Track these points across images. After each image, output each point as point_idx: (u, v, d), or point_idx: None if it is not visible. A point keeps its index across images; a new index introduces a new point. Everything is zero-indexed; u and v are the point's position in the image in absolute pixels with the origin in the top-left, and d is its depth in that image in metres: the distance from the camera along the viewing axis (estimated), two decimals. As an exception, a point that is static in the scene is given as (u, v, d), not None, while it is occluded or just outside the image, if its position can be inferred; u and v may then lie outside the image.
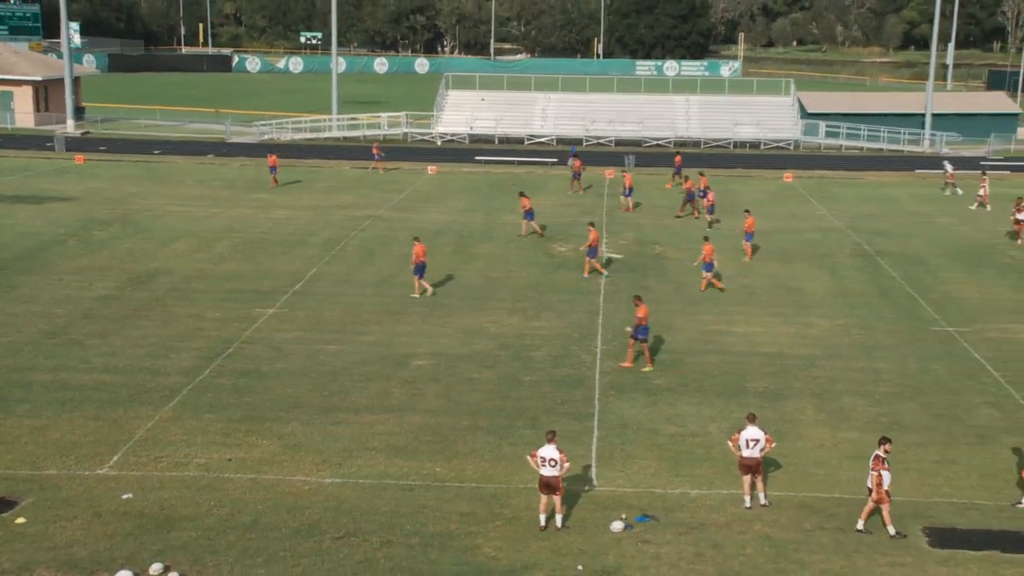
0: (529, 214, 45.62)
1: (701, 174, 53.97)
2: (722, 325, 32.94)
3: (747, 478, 20.67)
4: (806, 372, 28.69)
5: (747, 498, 20.70)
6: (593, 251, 38.80)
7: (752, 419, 20.92)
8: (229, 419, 24.83)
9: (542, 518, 19.88)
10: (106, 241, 43.78)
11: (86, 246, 42.74)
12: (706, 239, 37.86)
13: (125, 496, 20.82)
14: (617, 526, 19.79)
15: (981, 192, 54.48)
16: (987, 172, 57.73)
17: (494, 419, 25.10)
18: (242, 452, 23.02)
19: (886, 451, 19.83)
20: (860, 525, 19.80)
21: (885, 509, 19.61)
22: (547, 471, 19.69)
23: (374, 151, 66.52)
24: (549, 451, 19.76)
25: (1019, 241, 44.67)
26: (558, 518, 19.90)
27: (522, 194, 47.02)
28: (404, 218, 50.03)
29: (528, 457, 20.12)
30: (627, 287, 37.37)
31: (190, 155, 71.78)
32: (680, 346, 30.73)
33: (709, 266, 36.76)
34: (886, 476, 19.59)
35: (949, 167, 60.98)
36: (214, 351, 29.64)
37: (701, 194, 51.33)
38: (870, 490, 19.75)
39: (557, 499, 19.85)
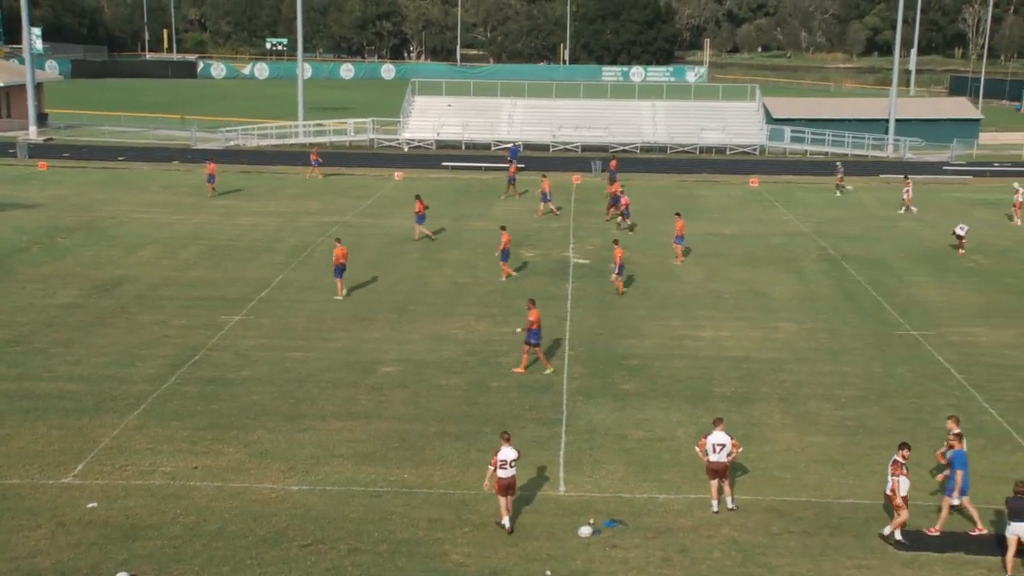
0: (420, 217, 45.86)
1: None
2: (689, 330, 33.07)
3: (714, 482, 20.76)
4: (773, 376, 28.85)
5: (715, 502, 20.78)
6: (506, 255, 39.11)
7: (718, 423, 21.01)
8: (195, 427, 24.66)
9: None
10: (70, 248, 43.40)
11: (50, 253, 42.34)
12: (615, 243, 37.85)
13: (90, 505, 20.63)
14: (585, 531, 19.81)
15: (905, 196, 55.59)
16: (909, 176, 58.99)
17: (462, 425, 25.06)
18: (208, 460, 22.87)
19: (904, 456, 19.84)
20: (897, 535, 19.71)
21: (902, 516, 19.63)
22: (506, 472, 19.76)
23: (312, 157, 65.76)
24: (509, 453, 19.85)
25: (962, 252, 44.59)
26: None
27: (417, 197, 47.16)
28: (371, 224, 49.91)
29: (489, 466, 20.03)
30: (595, 292, 37.47)
31: (155, 161, 71.27)
32: (648, 351, 30.82)
33: (621, 268, 36.81)
34: (904, 483, 19.59)
35: (840, 168, 63.59)
36: (180, 359, 29.44)
37: (613, 201, 51.93)
38: (888, 496, 19.81)
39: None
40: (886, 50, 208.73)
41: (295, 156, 75.33)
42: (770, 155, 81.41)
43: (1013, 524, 18.65)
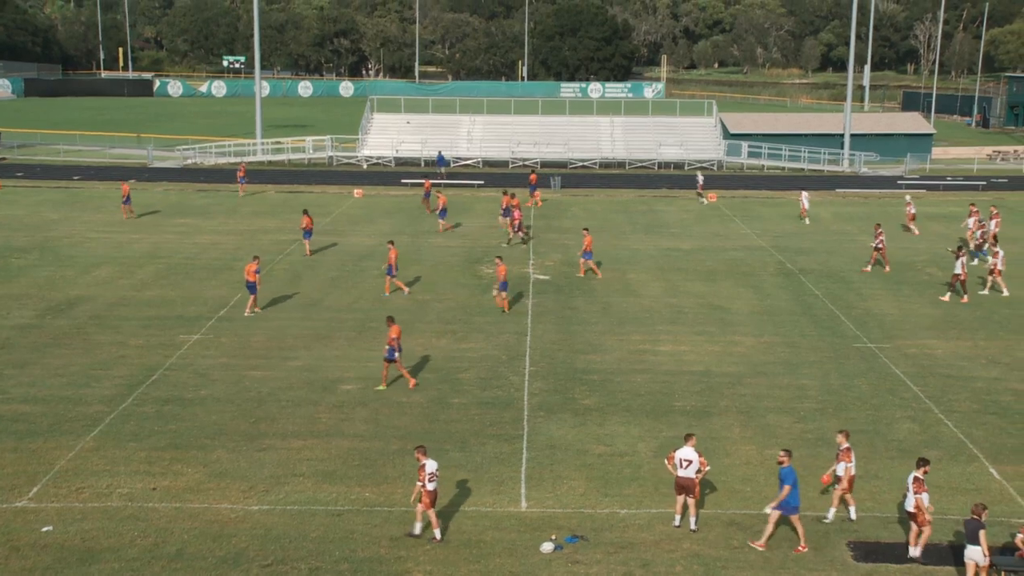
0: (307, 232, 46.37)
1: (505, 192, 54.65)
2: (649, 344, 33.19)
3: (680, 498, 20.77)
4: (732, 390, 29.01)
5: (678, 517, 20.83)
6: (389, 269, 39.28)
7: (689, 439, 21.01)
8: (153, 447, 24.43)
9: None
10: (24, 269, 42.90)
11: (3, 274, 41.83)
12: (499, 259, 37.77)
13: (45, 529, 20.36)
14: (547, 547, 19.80)
15: (805, 207, 57.62)
16: (806, 188, 61.18)
17: (423, 442, 24.93)
18: (167, 481, 22.65)
19: (925, 472, 19.87)
20: (915, 552, 19.69)
21: (926, 532, 19.69)
22: (434, 485, 19.88)
23: (239, 174, 65.06)
24: (433, 464, 19.98)
25: (868, 268, 44.57)
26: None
27: (305, 212, 47.52)
28: (330, 242, 49.74)
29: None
30: (555, 308, 37.53)
31: (111, 180, 70.62)
32: (608, 366, 30.90)
33: (504, 285, 36.75)
34: (926, 498, 19.64)
35: (700, 178, 66.00)
36: (137, 379, 29.16)
37: (504, 213, 52.24)
38: (911, 514, 19.72)
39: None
40: (840, 66, 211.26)
41: (254, 174, 74.87)
42: (728, 170, 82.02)
43: (969, 548, 18.45)
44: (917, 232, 53.86)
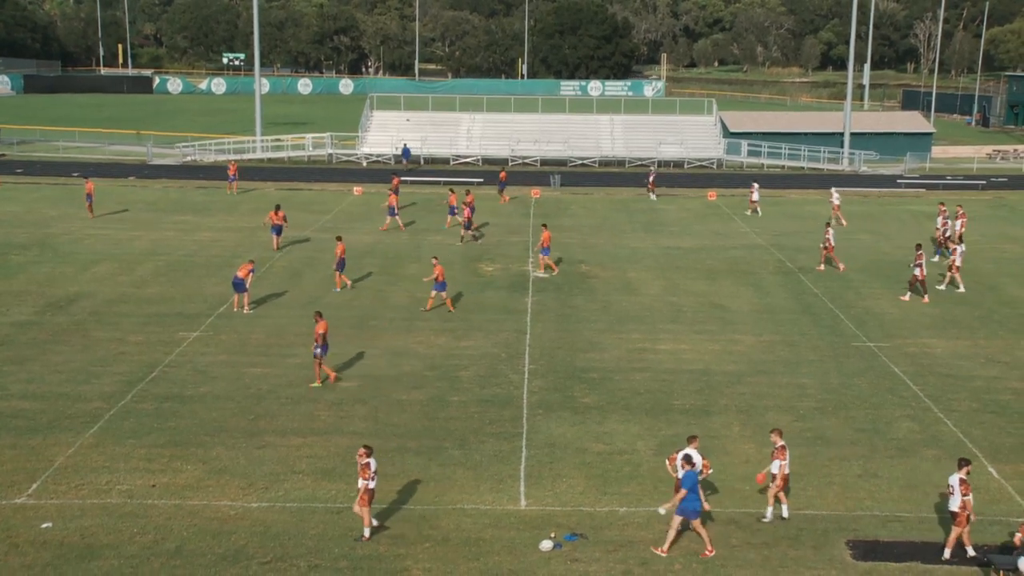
0: (277, 228, 46.79)
1: (451, 191, 54.95)
2: (649, 343, 33.19)
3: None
4: (732, 388, 29.01)
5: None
6: (342, 264, 39.45)
7: (692, 441, 20.91)
8: (152, 444, 24.43)
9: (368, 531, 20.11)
10: (23, 265, 42.89)
11: (2, 271, 41.81)
12: (435, 259, 37.25)
13: (44, 525, 20.36)
14: (546, 545, 19.81)
15: (754, 199, 59.48)
16: (756, 181, 62.60)
17: (422, 440, 25.00)
18: (166, 478, 22.65)
19: (967, 473, 19.83)
20: (953, 554, 19.65)
21: (967, 532, 19.65)
22: (374, 483, 20.01)
23: (230, 172, 64.86)
24: (374, 463, 20.04)
25: (821, 267, 44.54)
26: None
27: (277, 207, 47.93)
28: (330, 239, 49.61)
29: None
30: (554, 306, 37.54)
31: (111, 177, 70.55)
32: (607, 364, 30.90)
33: (442, 286, 36.27)
34: (969, 500, 19.66)
35: (651, 174, 67.28)
36: (137, 375, 29.16)
37: (451, 211, 52.59)
38: (954, 514, 19.63)
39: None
40: (840, 65, 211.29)
41: (253, 171, 74.93)
42: (728, 168, 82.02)
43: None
44: (845, 223, 54.97)
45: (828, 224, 45.91)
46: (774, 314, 37.09)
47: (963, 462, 19.96)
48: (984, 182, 75.24)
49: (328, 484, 22.45)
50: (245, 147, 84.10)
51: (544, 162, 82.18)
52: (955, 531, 19.60)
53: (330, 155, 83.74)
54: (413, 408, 27.15)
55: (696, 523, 19.74)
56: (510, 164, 79.87)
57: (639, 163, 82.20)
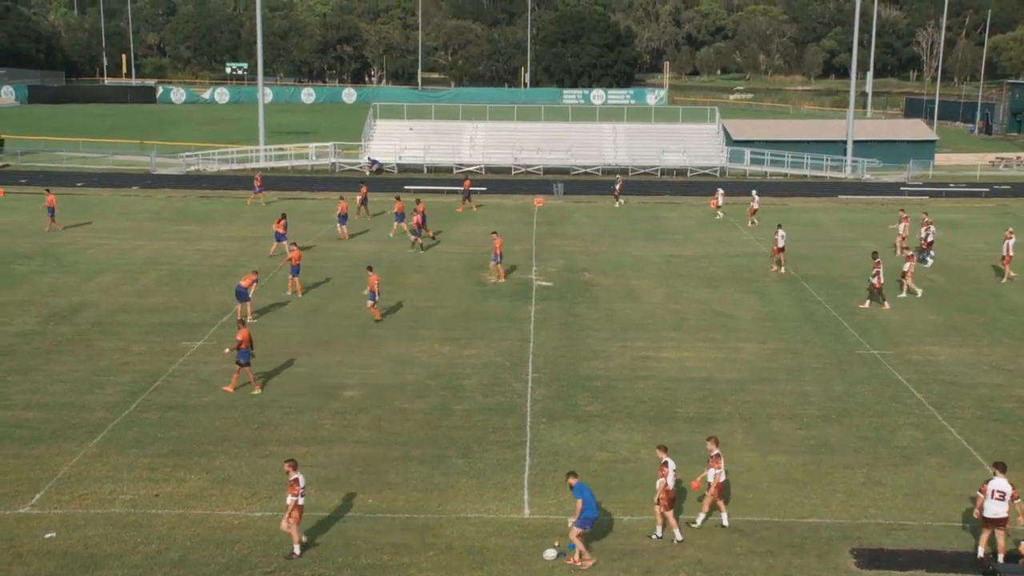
0: (280, 236, 46.92)
1: (398, 198, 55.50)
2: (652, 351, 33.18)
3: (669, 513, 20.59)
4: (735, 396, 28.98)
5: (677, 531, 20.59)
6: (295, 270, 39.93)
7: (665, 449, 21.01)
8: (156, 454, 24.43)
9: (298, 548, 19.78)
10: (27, 275, 42.95)
11: (6, 280, 41.87)
12: (370, 269, 37.28)
13: (48, 535, 20.36)
14: (550, 554, 19.78)
15: (715, 203, 61.47)
16: (721, 188, 63.99)
17: (425, 449, 24.99)
18: (169, 487, 22.65)
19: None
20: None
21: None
22: (304, 500, 19.71)
23: (256, 183, 64.92)
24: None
25: (774, 268, 45.18)
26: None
27: (283, 216, 48.41)
28: (333, 248, 49.78)
29: (292, 496, 19.54)
30: (558, 314, 37.54)
31: (114, 187, 70.76)
32: (611, 372, 30.88)
33: (373, 295, 36.23)
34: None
35: (617, 183, 67.35)
36: (140, 385, 29.17)
37: (398, 218, 53.03)
38: (1005, 520, 19.66)
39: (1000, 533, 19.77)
40: (843, 72, 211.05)
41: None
42: (731, 176, 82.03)
43: None
44: (759, 224, 56.27)
45: (779, 225, 46.69)
46: (777, 322, 37.06)
47: (1002, 467, 19.92)
48: (987, 190, 75.24)
49: (331, 493, 22.43)
50: (248, 156, 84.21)
51: (547, 170, 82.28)
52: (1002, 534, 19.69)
53: (334, 164, 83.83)
54: (416, 417, 27.14)
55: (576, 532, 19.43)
56: (513, 173, 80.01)
57: (642, 171, 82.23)
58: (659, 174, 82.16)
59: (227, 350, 29.36)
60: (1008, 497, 19.51)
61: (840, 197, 70.62)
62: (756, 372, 31.19)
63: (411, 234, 50.03)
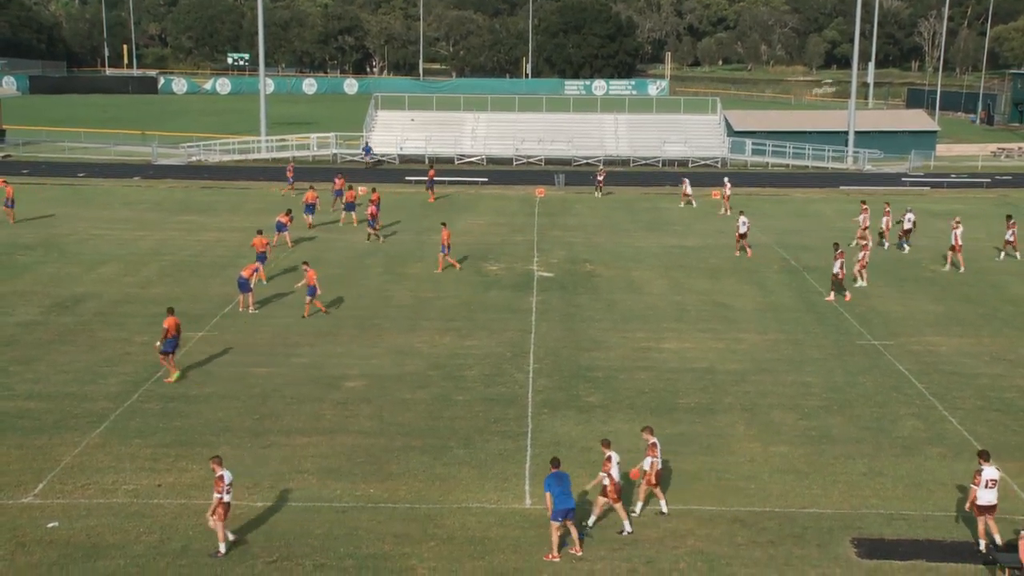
0: (281, 226, 47.22)
1: (351, 187, 55.77)
2: (653, 342, 33.20)
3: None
4: (736, 387, 29.02)
5: (627, 523, 20.51)
6: (261, 257, 39.92)
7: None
8: (158, 444, 24.49)
9: (224, 547, 19.53)
10: (29, 265, 42.99)
11: (8, 271, 41.91)
12: (306, 264, 36.67)
13: (51, 525, 20.42)
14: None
15: (685, 193, 62.45)
16: (686, 178, 64.63)
17: (427, 439, 25.04)
18: (172, 477, 22.70)
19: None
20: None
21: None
22: (230, 496, 19.51)
23: (289, 173, 65.01)
24: (229, 475, 19.60)
25: (737, 253, 46.69)
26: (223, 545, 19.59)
27: (288, 212, 48.38)
28: (334, 239, 49.79)
29: (217, 494, 19.31)
30: (559, 305, 37.56)
31: (116, 178, 70.76)
32: (612, 363, 30.92)
33: (312, 290, 35.55)
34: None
35: (601, 172, 68.27)
36: (142, 376, 29.22)
37: (347, 207, 53.62)
38: (995, 507, 19.92)
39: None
40: (844, 63, 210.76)
41: (258, 171, 75.10)
42: (732, 167, 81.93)
43: None
44: (728, 213, 57.03)
45: (741, 212, 48.57)
46: (778, 312, 37.08)
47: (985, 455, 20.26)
48: (989, 180, 75.16)
49: (333, 483, 22.49)
50: (250, 147, 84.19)
51: (548, 161, 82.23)
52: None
53: (335, 155, 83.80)
54: (418, 407, 27.19)
55: (556, 525, 19.40)
56: (514, 163, 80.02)
57: (644, 162, 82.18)
58: (660, 165, 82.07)
59: (158, 344, 29.13)
60: (997, 483, 19.80)
61: (842, 188, 70.59)
62: (757, 363, 31.22)
63: (368, 225, 49.71)
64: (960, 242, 44.46)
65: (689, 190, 62.39)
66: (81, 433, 25.05)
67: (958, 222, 45.26)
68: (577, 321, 35.54)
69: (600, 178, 66.94)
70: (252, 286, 35.99)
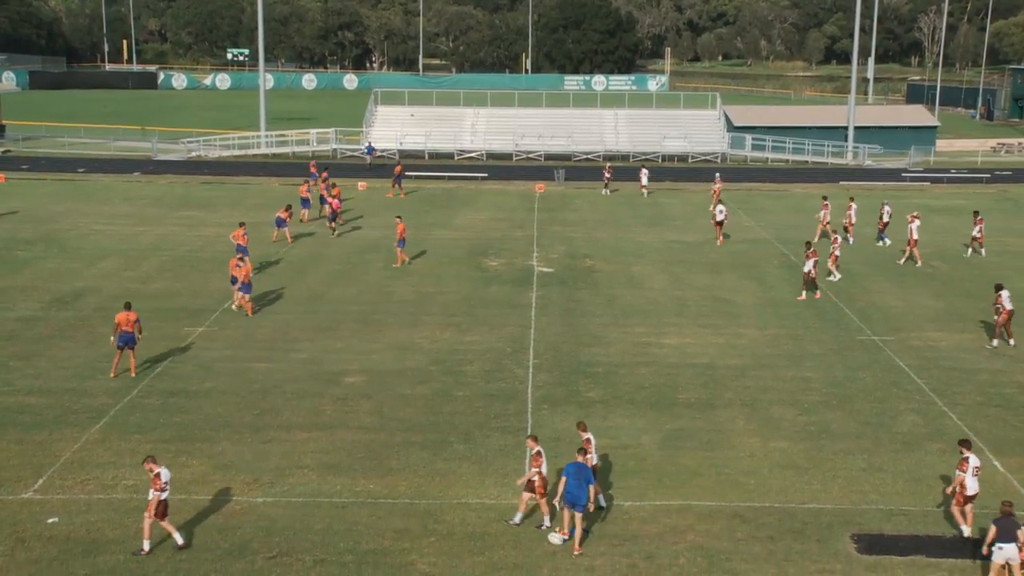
0: (281, 222, 47.22)
1: (305, 182, 55.92)
2: (653, 337, 33.20)
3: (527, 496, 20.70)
4: (736, 382, 29.02)
5: (547, 518, 20.41)
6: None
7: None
8: (158, 439, 24.48)
9: (180, 537, 19.56)
10: (29, 261, 42.97)
11: (8, 266, 41.90)
12: (245, 258, 36.30)
13: (51, 520, 20.43)
14: (555, 539, 19.82)
15: (644, 183, 63.59)
16: (645, 169, 65.88)
17: (427, 434, 25.04)
18: (172, 472, 22.64)
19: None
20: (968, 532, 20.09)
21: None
22: (167, 494, 19.43)
23: (312, 170, 65.23)
24: (167, 473, 19.52)
25: (720, 241, 47.80)
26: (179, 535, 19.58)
27: (288, 208, 48.20)
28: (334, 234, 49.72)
29: (156, 491, 19.19)
30: (559, 300, 37.56)
31: (116, 173, 70.75)
32: (612, 359, 30.91)
33: (246, 287, 35.02)
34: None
35: (607, 171, 66.76)
36: (142, 371, 29.19)
37: (304, 203, 53.11)
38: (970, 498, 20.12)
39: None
40: (844, 58, 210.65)
41: (257, 167, 75.06)
42: (732, 163, 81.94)
43: (1004, 547, 18.04)
44: (713, 209, 56.08)
45: (720, 201, 49.93)
46: (778, 308, 37.08)
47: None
48: (988, 176, 75.15)
49: (333, 478, 22.49)
50: (250, 142, 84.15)
51: (548, 156, 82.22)
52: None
53: (335, 150, 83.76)
54: (418, 402, 27.19)
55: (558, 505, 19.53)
56: (514, 159, 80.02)
57: (644, 157, 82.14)
58: (660, 160, 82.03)
59: (112, 338, 29.08)
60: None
61: (841, 183, 70.54)
62: (757, 358, 31.23)
63: (329, 220, 49.64)
64: (916, 236, 44.24)
65: (646, 181, 63.51)
66: (81, 428, 25.05)
67: (915, 216, 45.13)
68: (577, 316, 35.53)
69: (608, 175, 66.73)
70: (250, 286, 35.73)
